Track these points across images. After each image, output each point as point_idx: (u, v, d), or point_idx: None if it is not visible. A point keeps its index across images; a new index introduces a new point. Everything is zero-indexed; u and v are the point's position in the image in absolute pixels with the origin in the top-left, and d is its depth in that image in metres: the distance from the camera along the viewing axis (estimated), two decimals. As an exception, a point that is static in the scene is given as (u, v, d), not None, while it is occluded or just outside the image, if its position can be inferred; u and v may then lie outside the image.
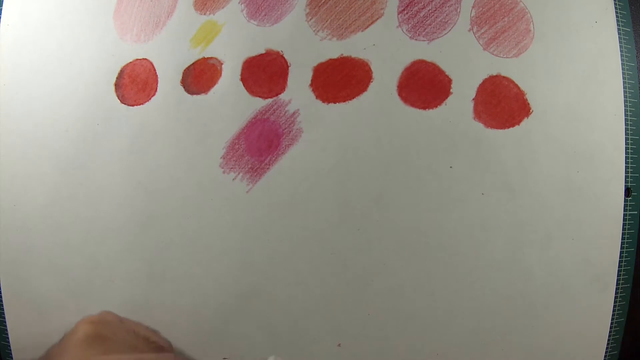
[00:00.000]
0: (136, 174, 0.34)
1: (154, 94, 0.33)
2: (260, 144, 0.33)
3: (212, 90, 0.33)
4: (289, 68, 0.33)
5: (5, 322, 0.35)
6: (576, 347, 0.33)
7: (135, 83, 0.34)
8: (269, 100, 0.33)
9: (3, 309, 0.35)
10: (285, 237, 0.34)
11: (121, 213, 0.34)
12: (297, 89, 0.33)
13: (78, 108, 0.34)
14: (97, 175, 0.34)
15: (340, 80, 0.33)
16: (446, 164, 0.33)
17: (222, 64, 0.34)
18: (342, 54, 0.33)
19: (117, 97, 0.34)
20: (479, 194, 0.33)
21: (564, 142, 0.34)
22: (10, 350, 0.35)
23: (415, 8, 0.33)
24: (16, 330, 0.35)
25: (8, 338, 0.35)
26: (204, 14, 0.34)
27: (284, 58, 0.33)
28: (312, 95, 0.33)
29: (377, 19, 0.33)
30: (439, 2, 0.33)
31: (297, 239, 0.34)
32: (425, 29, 0.33)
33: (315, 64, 0.33)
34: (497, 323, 0.34)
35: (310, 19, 0.33)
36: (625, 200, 0.34)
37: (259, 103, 0.33)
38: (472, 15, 0.34)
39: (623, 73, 0.34)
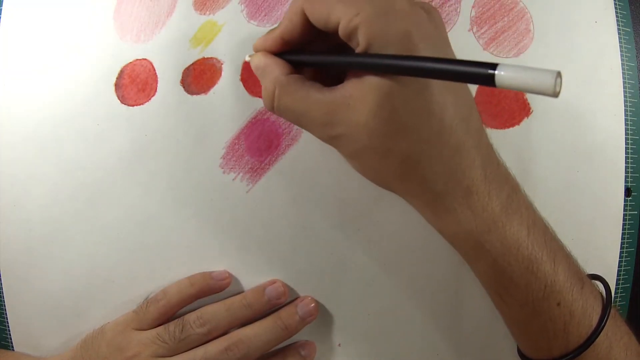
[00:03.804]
0: (136, 174, 0.34)
1: (154, 94, 0.33)
2: (260, 144, 0.34)
3: (212, 90, 0.33)
4: (289, 68, 0.33)
5: (7, 323, 0.35)
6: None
7: (135, 83, 0.34)
8: (269, 100, 0.33)
9: (5, 310, 0.35)
10: (285, 237, 0.34)
11: (121, 213, 0.34)
12: (297, 89, 0.33)
13: (78, 108, 0.34)
14: (97, 175, 0.34)
15: (340, 80, 0.33)
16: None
17: (222, 64, 0.34)
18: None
19: (117, 97, 0.34)
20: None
21: (564, 142, 0.34)
22: (13, 350, 0.35)
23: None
24: (18, 331, 0.35)
25: (10, 339, 0.35)
26: (204, 14, 0.34)
27: (284, 58, 0.33)
28: (312, 95, 0.33)
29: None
30: (439, 2, 0.33)
31: (297, 239, 0.34)
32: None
33: (315, 64, 0.33)
34: (499, 323, 0.34)
35: (310, 19, 0.33)
36: (625, 200, 0.34)
37: (259, 103, 0.33)
38: (472, 15, 0.34)
39: (623, 73, 0.34)
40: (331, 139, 0.27)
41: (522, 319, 0.28)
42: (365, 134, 0.25)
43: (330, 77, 0.28)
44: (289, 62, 0.28)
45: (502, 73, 0.19)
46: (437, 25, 0.26)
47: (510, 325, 0.30)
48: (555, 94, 0.18)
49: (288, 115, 0.28)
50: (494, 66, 0.19)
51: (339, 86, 0.26)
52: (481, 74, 0.19)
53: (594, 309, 0.27)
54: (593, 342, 0.26)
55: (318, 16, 0.26)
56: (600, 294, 0.28)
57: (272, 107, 0.28)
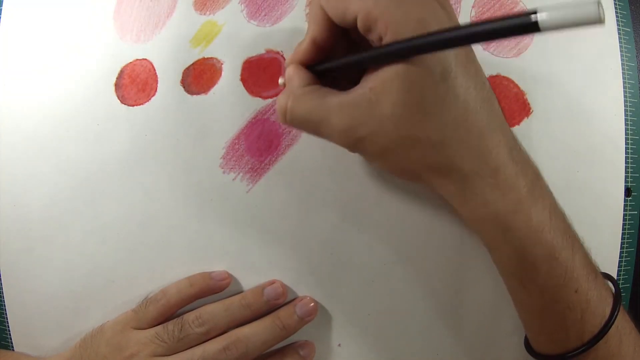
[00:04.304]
0: (136, 174, 0.34)
1: (154, 94, 0.33)
2: (260, 144, 0.34)
3: (212, 90, 0.33)
4: (289, 68, 0.33)
5: (7, 323, 0.35)
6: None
7: (135, 83, 0.34)
8: (269, 101, 0.33)
9: (5, 310, 0.35)
10: (285, 237, 0.34)
11: (121, 213, 0.34)
12: (297, 89, 0.33)
13: (78, 108, 0.34)
14: (97, 175, 0.34)
15: (340, 80, 0.33)
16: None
17: (222, 64, 0.34)
18: (342, 54, 0.33)
19: (117, 97, 0.34)
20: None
21: (564, 142, 0.34)
22: (13, 350, 0.35)
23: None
24: (18, 331, 0.35)
25: (10, 338, 0.35)
26: (204, 14, 0.34)
27: (284, 58, 0.33)
28: (312, 95, 0.33)
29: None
30: (439, 2, 0.33)
31: (297, 239, 0.34)
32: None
33: (315, 64, 0.33)
34: (499, 323, 0.34)
35: (310, 19, 0.33)
36: (625, 200, 0.34)
37: (259, 103, 0.33)
38: (472, 15, 0.34)
39: (623, 73, 0.34)
40: (355, 143, 0.27)
41: (542, 306, 0.28)
42: (392, 125, 0.25)
43: (347, 83, 0.28)
44: (319, 73, 0.28)
45: (544, 16, 0.18)
46: (449, 14, 0.26)
47: (528, 315, 0.30)
48: (602, 21, 0.17)
49: (304, 126, 0.28)
50: (533, 12, 0.18)
51: (357, 86, 0.26)
52: (524, 23, 0.19)
53: (607, 300, 0.27)
54: (608, 330, 0.26)
55: (336, 10, 0.26)
56: (609, 287, 0.29)
57: (284, 120, 0.28)
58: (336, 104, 0.26)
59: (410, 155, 0.26)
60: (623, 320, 0.28)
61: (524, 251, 0.26)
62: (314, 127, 0.27)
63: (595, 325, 0.27)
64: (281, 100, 0.27)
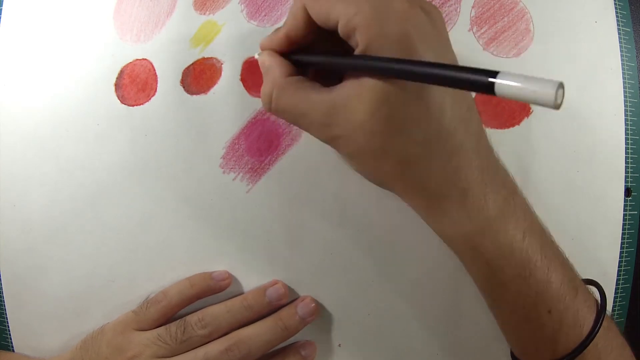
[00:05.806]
0: (136, 174, 0.34)
1: (153, 94, 0.33)
2: (260, 144, 0.34)
3: (212, 90, 0.33)
4: (289, 68, 0.33)
5: (7, 323, 0.35)
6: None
7: (135, 83, 0.34)
8: (269, 100, 0.33)
9: (5, 310, 0.35)
10: (285, 237, 0.34)
11: (121, 213, 0.34)
12: (297, 89, 0.33)
13: (78, 108, 0.34)
14: (97, 175, 0.34)
15: (340, 80, 0.33)
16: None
17: (222, 64, 0.34)
18: (342, 54, 0.33)
19: (117, 97, 0.34)
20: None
21: (564, 142, 0.34)
22: (13, 351, 0.35)
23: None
24: (18, 331, 0.35)
25: (10, 339, 0.35)
26: (204, 14, 0.34)
27: (284, 58, 0.33)
28: (312, 95, 0.33)
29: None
30: (439, 2, 0.33)
31: (297, 239, 0.34)
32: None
33: (315, 64, 0.33)
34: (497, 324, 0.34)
35: (310, 19, 0.33)
36: (625, 200, 0.34)
37: (259, 103, 0.33)
38: (472, 15, 0.34)
39: (623, 73, 0.34)
40: (330, 140, 0.27)
41: (513, 323, 0.28)
42: (362, 135, 0.25)
43: (332, 77, 0.28)
44: (294, 62, 0.28)
45: (503, 82, 0.18)
46: (436, 26, 0.25)
47: (502, 327, 0.30)
48: (556, 106, 0.17)
49: (286, 116, 0.28)
50: (494, 74, 0.18)
51: (338, 86, 0.26)
52: (480, 82, 0.19)
53: (586, 319, 0.27)
54: (579, 353, 0.26)
55: (318, 13, 0.26)
56: (596, 301, 0.28)
57: (269, 108, 0.28)
58: (318, 101, 0.26)
59: (379, 166, 0.26)
60: (605, 339, 0.27)
61: (492, 272, 0.26)
62: (295, 119, 0.27)
63: (569, 346, 0.26)
64: (265, 89, 0.27)
